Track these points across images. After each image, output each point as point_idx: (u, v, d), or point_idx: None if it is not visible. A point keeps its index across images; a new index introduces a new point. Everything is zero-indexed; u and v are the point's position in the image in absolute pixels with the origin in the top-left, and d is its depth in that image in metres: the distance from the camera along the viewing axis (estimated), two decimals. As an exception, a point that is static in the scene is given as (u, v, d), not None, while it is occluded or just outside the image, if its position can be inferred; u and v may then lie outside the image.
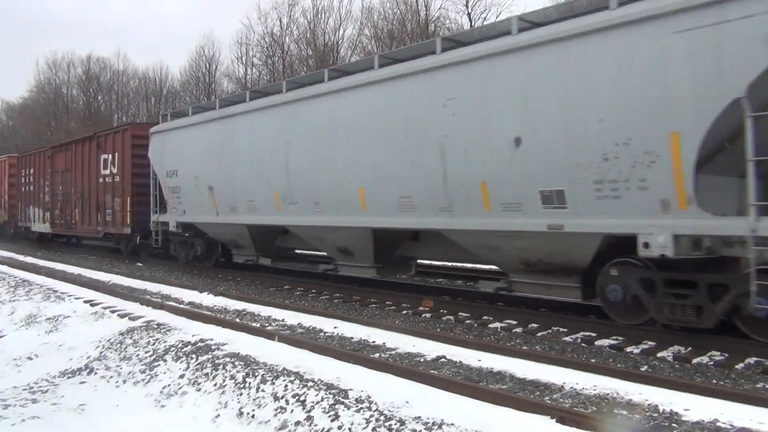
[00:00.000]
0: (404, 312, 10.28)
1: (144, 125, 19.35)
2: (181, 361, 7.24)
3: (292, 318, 9.61)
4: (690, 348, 7.36)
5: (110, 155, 19.31)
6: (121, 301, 11.47)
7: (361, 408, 5.25)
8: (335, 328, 8.80)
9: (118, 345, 8.37)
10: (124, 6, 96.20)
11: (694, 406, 5.10)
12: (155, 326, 8.92)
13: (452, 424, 4.76)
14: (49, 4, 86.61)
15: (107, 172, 19.48)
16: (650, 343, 7.68)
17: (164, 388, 6.73)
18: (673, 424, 4.82)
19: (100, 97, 65.49)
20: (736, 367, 6.66)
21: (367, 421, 5.01)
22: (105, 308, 10.70)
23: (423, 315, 9.97)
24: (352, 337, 8.24)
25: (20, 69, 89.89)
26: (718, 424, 4.77)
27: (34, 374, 7.80)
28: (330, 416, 5.23)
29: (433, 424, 4.80)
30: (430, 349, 7.41)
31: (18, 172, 27.37)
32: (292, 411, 5.51)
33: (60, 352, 8.71)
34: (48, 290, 13.10)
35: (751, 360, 6.82)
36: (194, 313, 9.92)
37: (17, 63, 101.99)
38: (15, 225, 28.50)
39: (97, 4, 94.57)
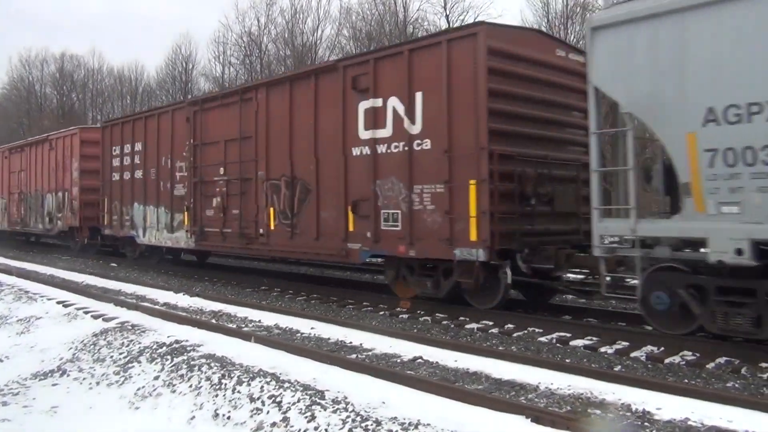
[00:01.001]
0: (381, 313, 10.29)
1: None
2: (156, 363, 7.17)
3: (269, 319, 9.57)
4: (662, 348, 7.47)
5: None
6: (94, 302, 11.32)
7: (338, 409, 5.25)
8: (312, 328, 8.78)
9: (92, 346, 8.26)
10: (99, 3, 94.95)
11: (666, 405, 5.18)
12: (130, 327, 8.83)
13: (428, 425, 4.78)
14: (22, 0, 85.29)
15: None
16: (624, 343, 7.79)
17: (138, 389, 6.66)
18: (646, 423, 4.89)
19: (74, 95, 64.52)
20: (707, 366, 6.77)
21: (344, 422, 5.01)
22: (78, 309, 10.55)
23: (400, 316, 9.99)
24: (329, 338, 8.23)
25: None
26: (690, 422, 4.85)
27: (4, 376, 7.66)
28: (306, 417, 5.22)
29: (410, 424, 4.81)
30: (407, 349, 7.43)
31: (105, 150, 18.47)
32: (268, 412, 5.49)
33: (32, 353, 8.56)
34: (19, 291, 12.88)
35: (722, 360, 6.95)
36: (170, 314, 9.83)
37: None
38: (90, 233, 20.36)
39: (73, 1, 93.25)
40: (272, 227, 12.19)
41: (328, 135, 11.14)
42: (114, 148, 17.96)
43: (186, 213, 14.71)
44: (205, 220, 14.06)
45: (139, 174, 16.74)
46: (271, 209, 12.22)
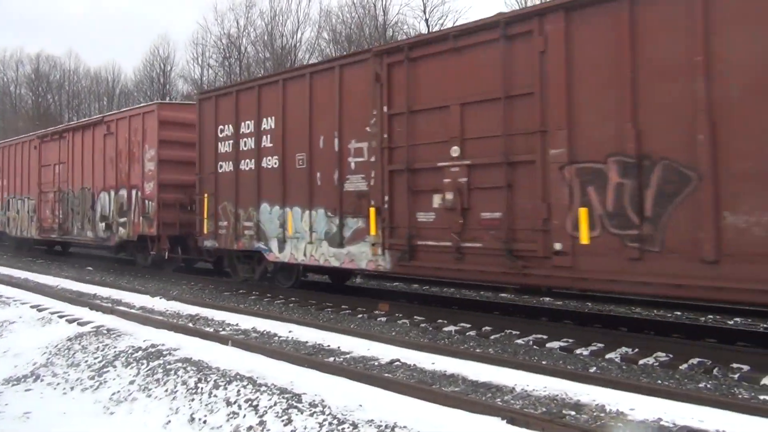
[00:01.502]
0: (360, 316, 10.30)
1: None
2: (132, 367, 7.11)
3: (246, 322, 9.52)
4: (637, 349, 7.56)
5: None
6: (69, 306, 11.18)
7: (315, 412, 5.24)
8: (290, 332, 8.76)
9: (66, 351, 8.16)
10: (76, 3, 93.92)
11: (639, 406, 5.25)
12: (105, 331, 8.73)
13: (405, 427, 4.80)
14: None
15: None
16: (599, 344, 7.87)
17: (114, 394, 6.59)
18: (619, 424, 4.95)
19: (49, 97, 63.74)
20: (680, 367, 6.88)
21: (321, 425, 5.01)
22: (53, 313, 10.42)
23: (378, 319, 10.00)
24: (306, 341, 8.21)
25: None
26: (662, 422, 4.92)
27: (-24, 382, 7.55)
28: (283, 421, 5.21)
29: (386, 426, 4.83)
30: (384, 352, 7.44)
31: (206, 131, 13.60)
32: (244, 416, 5.47)
33: (4, 358, 8.44)
34: (-8, 295, 12.68)
35: (695, 361, 7.06)
36: (146, 318, 9.74)
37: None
38: (174, 244, 15.43)
39: (49, 1, 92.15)
40: (586, 240, 7.54)
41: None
42: (222, 127, 13.09)
43: (373, 218, 10.07)
44: (416, 228, 9.38)
45: (271, 162, 12.03)
46: (583, 210, 7.56)
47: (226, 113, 13.01)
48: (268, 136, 12.08)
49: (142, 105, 16.60)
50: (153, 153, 15.25)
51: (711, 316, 9.69)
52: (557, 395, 5.68)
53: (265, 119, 12.15)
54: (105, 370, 7.23)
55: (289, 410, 5.34)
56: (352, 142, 10.48)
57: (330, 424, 5.00)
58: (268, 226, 12.01)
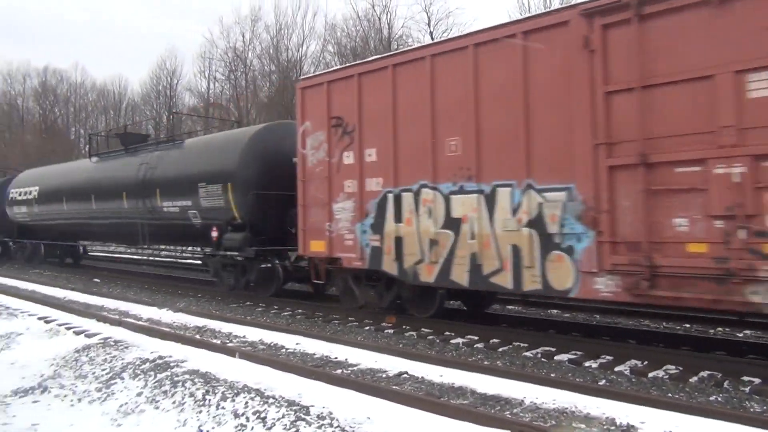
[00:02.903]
0: (367, 328, 10.27)
1: None
2: (139, 379, 7.09)
3: (253, 334, 9.51)
4: (646, 362, 7.52)
5: None
6: (77, 318, 11.19)
7: (323, 424, 5.22)
8: (297, 344, 8.74)
9: (74, 363, 8.16)
10: (82, 16, 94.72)
11: (649, 419, 5.20)
12: (112, 343, 8.73)
13: (414, 440, 4.77)
14: (4, 11, 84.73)
15: None
16: (608, 357, 7.83)
17: (121, 406, 6.58)
18: (630, 437, 4.92)
19: (56, 110, 64.18)
20: (691, 380, 6.83)
21: (329, 438, 4.98)
22: (60, 325, 10.42)
23: (386, 331, 9.97)
24: (314, 353, 8.19)
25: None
26: (673, 436, 4.88)
27: (-17, 394, 7.55)
28: (291, 433, 5.19)
29: (395, 439, 4.80)
30: (392, 364, 7.41)
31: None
32: (252, 428, 5.44)
33: (12, 370, 8.43)
34: None
35: (705, 374, 7.01)
36: (153, 330, 9.74)
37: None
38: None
39: (55, 14, 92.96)
40: None
41: None
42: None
43: None
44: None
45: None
46: None
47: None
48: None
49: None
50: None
51: (720, 329, 9.63)
52: (567, 408, 5.64)
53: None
54: (113, 381, 7.22)
55: (297, 422, 5.32)
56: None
57: (338, 436, 4.97)
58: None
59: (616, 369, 7.37)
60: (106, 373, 7.51)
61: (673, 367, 7.31)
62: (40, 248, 23.73)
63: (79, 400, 7.00)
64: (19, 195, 23.43)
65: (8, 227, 24.72)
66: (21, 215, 23.52)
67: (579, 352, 8.12)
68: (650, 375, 7.08)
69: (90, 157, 20.66)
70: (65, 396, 7.17)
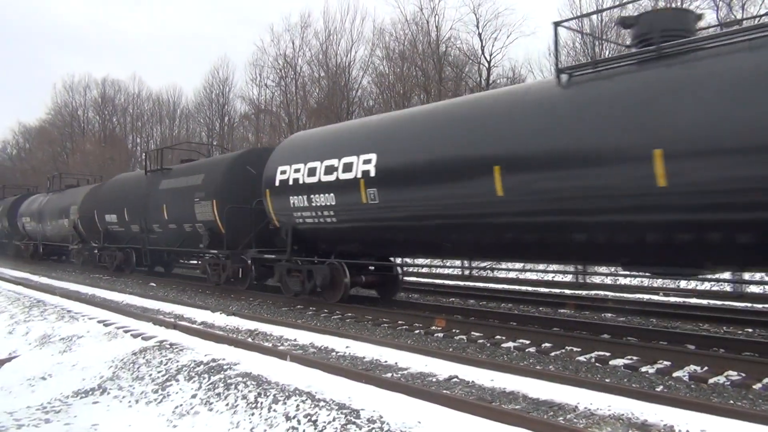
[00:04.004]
0: (416, 332, 10.24)
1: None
2: (194, 381, 7.24)
3: (304, 338, 9.59)
4: (706, 368, 7.27)
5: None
6: (134, 321, 11.50)
7: (373, 428, 5.22)
8: (347, 347, 8.77)
9: (131, 365, 8.38)
10: (139, 28, 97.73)
11: (710, 427, 5.02)
12: (168, 346, 8.93)
13: (465, 445, 4.72)
14: (65, 22, 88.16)
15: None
16: (665, 362, 7.60)
17: (176, 407, 6.72)
18: (690, 445, 4.75)
19: (114, 120, 66.30)
20: (754, 387, 6.56)
21: (379, 442, 4.97)
22: (118, 328, 10.73)
23: (435, 335, 9.92)
24: (363, 357, 8.21)
25: (37, 91, 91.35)
26: (736, 445, 4.70)
27: (47, 394, 7.81)
28: (342, 436, 5.20)
29: (446, 444, 4.76)
30: (442, 368, 7.36)
31: None
32: (303, 431, 5.48)
33: (73, 371, 8.72)
34: (62, 310, 13.16)
35: (769, 380, 6.73)
36: (207, 333, 9.93)
37: (34, 85, 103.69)
38: None
39: (113, 26, 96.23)
40: None
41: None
42: None
43: None
44: None
45: None
46: None
47: None
48: None
49: None
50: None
51: (785, 334, 9.23)
52: (623, 414, 5.49)
53: None
54: (168, 383, 7.39)
55: (348, 426, 5.33)
56: None
57: (389, 440, 4.96)
58: None
59: (675, 375, 7.14)
60: (162, 375, 7.68)
61: (735, 373, 7.04)
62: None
63: (137, 401, 7.18)
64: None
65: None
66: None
67: (635, 357, 7.90)
68: (710, 381, 6.83)
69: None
70: (123, 397, 7.37)
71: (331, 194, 11.78)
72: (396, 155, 10.73)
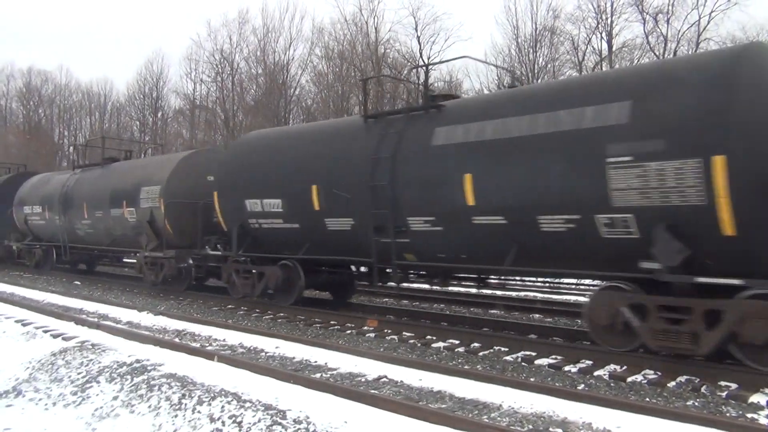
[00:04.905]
0: (348, 332, 10.23)
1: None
2: (115, 383, 7.01)
3: (233, 338, 9.43)
4: (625, 367, 7.53)
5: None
6: (55, 321, 11.05)
7: (299, 428, 5.18)
8: (277, 348, 8.68)
9: (50, 366, 8.04)
10: (68, 18, 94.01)
11: (625, 424, 5.21)
12: (90, 346, 8.62)
13: (390, 444, 4.74)
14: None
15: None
16: (588, 362, 7.84)
17: (96, 410, 6.49)
18: (606, 442, 4.91)
19: (41, 111, 63.58)
20: (668, 385, 6.85)
21: (305, 442, 4.94)
22: (37, 328, 10.28)
23: (367, 335, 9.93)
24: (293, 357, 8.14)
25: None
26: (649, 440, 4.89)
27: (-43, 397, 7.42)
28: (267, 437, 5.14)
29: (371, 444, 4.77)
30: (372, 368, 7.37)
31: None
32: (228, 433, 5.39)
33: (-14, 373, 8.31)
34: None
35: (682, 378, 7.04)
36: (132, 333, 9.63)
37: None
38: None
39: (41, 15, 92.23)
40: None
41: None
42: None
43: None
44: None
45: None
46: None
47: None
48: None
49: None
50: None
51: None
52: (544, 412, 5.63)
53: None
54: (88, 385, 7.13)
55: (274, 426, 5.27)
56: None
57: (314, 441, 4.93)
58: None
59: (596, 374, 7.38)
60: (82, 377, 7.41)
61: (652, 372, 7.33)
62: None
63: (54, 404, 6.90)
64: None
65: None
66: None
67: (559, 357, 8.13)
68: (629, 380, 7.09)
69: None
70: (40, 400, 7.07)
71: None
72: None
